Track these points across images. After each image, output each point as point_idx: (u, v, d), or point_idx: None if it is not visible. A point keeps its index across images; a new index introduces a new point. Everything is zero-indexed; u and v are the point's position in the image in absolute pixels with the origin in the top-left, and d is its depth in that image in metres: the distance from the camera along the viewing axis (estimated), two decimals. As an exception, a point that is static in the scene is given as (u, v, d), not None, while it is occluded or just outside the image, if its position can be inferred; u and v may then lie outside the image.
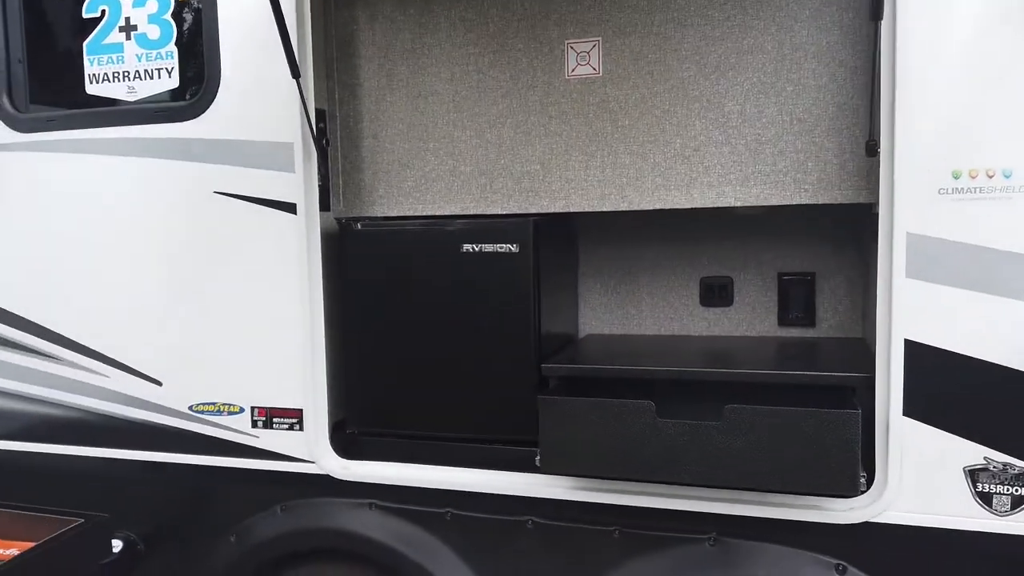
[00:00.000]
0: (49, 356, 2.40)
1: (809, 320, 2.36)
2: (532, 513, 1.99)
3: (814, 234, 2.34)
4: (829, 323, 2.36)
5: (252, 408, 2.22)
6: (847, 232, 2.25)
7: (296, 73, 2.01)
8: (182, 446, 2.29)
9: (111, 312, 2.33)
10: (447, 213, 2.19)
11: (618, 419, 1.77)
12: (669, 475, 1.75)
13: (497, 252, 2.05)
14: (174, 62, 2.25)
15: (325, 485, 2.17)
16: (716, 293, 2.44)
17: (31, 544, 1.90)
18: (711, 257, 2.43)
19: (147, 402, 2.32)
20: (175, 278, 2.26)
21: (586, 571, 1.95)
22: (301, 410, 2.17)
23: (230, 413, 2.25)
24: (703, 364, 2.10)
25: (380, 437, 2.18)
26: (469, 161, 2.16)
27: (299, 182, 2.11)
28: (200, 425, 2.27)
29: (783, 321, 2.39)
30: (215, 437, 2.26)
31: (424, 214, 2.20)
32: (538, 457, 1.89)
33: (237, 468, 2.24)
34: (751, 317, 2.42)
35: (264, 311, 2.18)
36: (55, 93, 2.42)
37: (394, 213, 2.24)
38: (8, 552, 1.95)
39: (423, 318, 2.12)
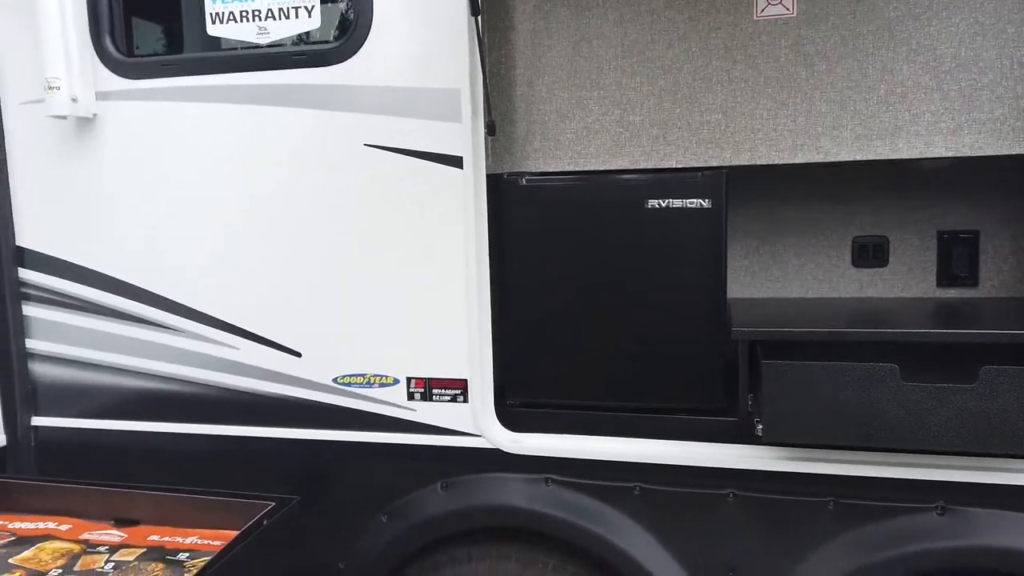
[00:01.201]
0: (171, 328, 2.19)
1: (972, 280, 2.28)
2: (732, 485, 1.88)
3: (977, 189, 2.25)
4: (992, 283, 2.28)
5: (408, 379, 2.05)
6: (1015, 185, 2.16)
7: (476, 10, 1.82)
8: (325, 421, 2.11)
9: (240, 279, 2.13)
10: (612, 168, 2.03)
11: (858, 383, 1.66)
12: (916, 442, 1.64)
13: (686, 208, 1.91)
14: (315, -1, 2.03)
15: (493, 460, 2.02)
16: (870, 253, 2.34)
17: (224, 531, 1.76)
18: (864, 215, 2.33)
19: (284, 375, 2.13)
20: (317, 241, 2.06)
21: (794, 544, 1.85)
22: (465, 380, 2.01)
23: (382, 385, 2.08)
24: (874, 326, 1.99)
25: (548, 409, 2.04)
26: (639, 111, 2.00)
27: (466, 133, 1.93)
28: (346, 399, 2.10)
29: (942, 282, 2.31)
30: (363, 411, 2.09)
31: (585, 169, 2.04)
32: (760, 426, 1.77)
33: (389, 443, 2.08)
34: (907, 278, 2.33)
35: (422, 275, 2.01)
36: (168, 35, 2.18)
37: (551, 168, 2.08)
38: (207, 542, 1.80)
39: (595, 280, 1.97)
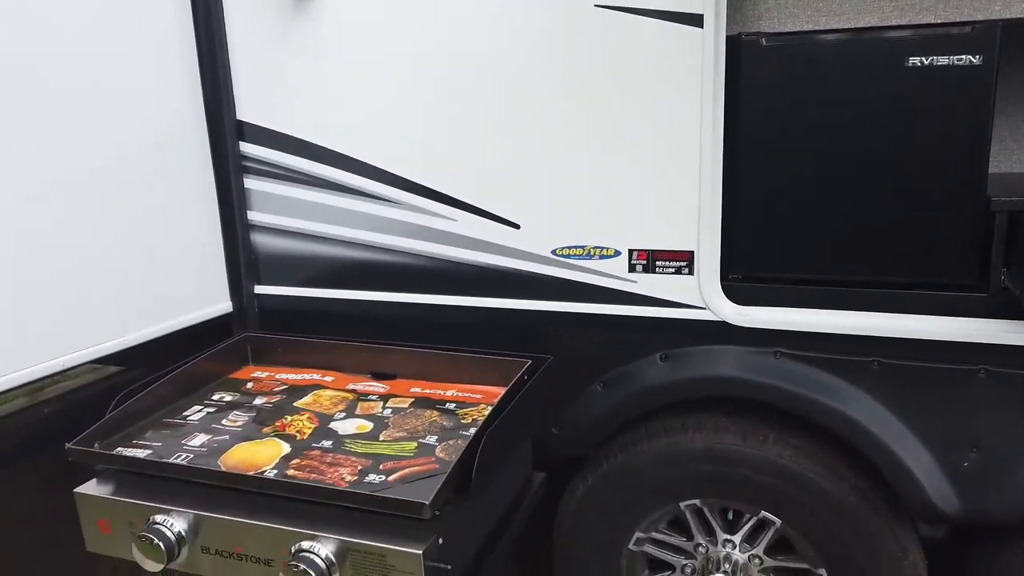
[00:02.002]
0: (389, 200, 2.23)
1: None
2: (985, 361, 1.80)
3: None
4: None
5: (630, 251, 2.04)
6: None
7: None
8: (542, 293, 2.14)
9: (459, 151, 2.13)
10: (857, 26, 1.88)
11: None
12: None
13: (952, 65, 1.75)
14: None
15: (718, 333, 2.01)
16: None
17: (479, 386, 1.81)
18: None
19: (502, 247, 2.15)
20: (539, 109, 2.02)
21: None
22: (691, 252, 1.98)
23: (602, 257, 2.07)
24: None
25: (777, 284, 1.98)
26: None
27: (708, -12, 1.81)
28: (564, 270, 2.11)
29: None
30: (582, 283, 2.10)
31: (832, 28, 1.90)
32: (1028, 299, 1.67)
33: (607, 315, 2.09)
34: None
35: (650, 143, 1.95)
36: None
37: (785, 28, 1.94)
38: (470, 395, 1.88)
39: (840, 147, 1.86)
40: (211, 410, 1.85)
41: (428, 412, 1.76)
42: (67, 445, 1.61)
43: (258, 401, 1.89)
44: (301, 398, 1.89)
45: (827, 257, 1.93)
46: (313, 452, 1.60)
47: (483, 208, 2.15)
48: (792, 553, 2.16)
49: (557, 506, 2.31)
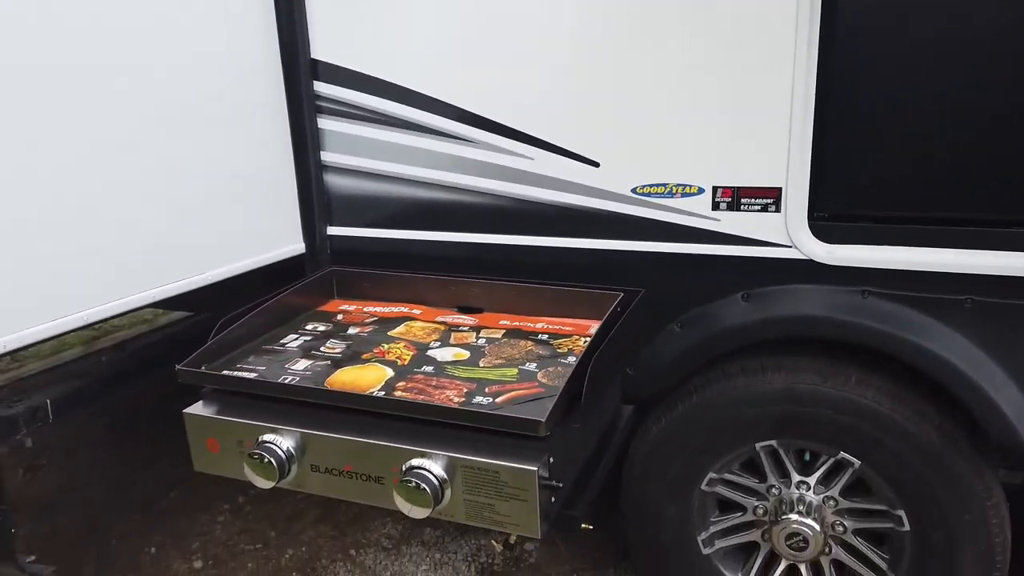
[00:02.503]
0: (462, 138, 2.22)
1: None
2: (1085, 299, 1.76)
3: None
4: None
5: (714, 188, 2.01)
6: None
7: None
8: (621, 232, 2.12)
9: (535, 88, 2.11)
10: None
11: None
12: None
13: (1065, -10, 1.68)
14: None
15: (803, 271, 1.98)
16: None
17: (568, 319, 1.79)
18: None
19: (581, 185, 2.13)
20: (616, 42, 1.98)
21: None
22: (779, 189, 1.95)
23: (684, 195, 2.04)
24: None
25: (865, 221, 1.94)
26: None
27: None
28: (645, 209, 2.09)
29: None
30: (663, 221, 2.08)
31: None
32: None
33: (688, 254, 2.07)
34: None
35: (736, 74, 1.90)
36: None
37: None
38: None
39: (939, 76, 1.79)
40: (307, 338, 1.88)
41: (522, 342, 1.77)
42: (177, 367, 1.64)
43: (352, 331, 1.91)
44: (393, 329, 1.91)
45: (920, 194, 1.89)
46: (417, 376, 1.62)
47: (561, 146, 2.13)
48: (868, 494, 2.16)
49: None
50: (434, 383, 1.58)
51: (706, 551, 2.34)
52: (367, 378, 1.62)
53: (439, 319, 1.99)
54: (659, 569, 2.39)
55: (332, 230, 2.48)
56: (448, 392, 1.54)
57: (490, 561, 2.95)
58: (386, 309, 2.08)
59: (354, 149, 2.37)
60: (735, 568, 2.37)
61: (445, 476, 1.43)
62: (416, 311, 2.04)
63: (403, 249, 2.38)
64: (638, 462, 2.31)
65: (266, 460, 1.52)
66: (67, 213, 1.74)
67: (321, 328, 1.96)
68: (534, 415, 1.39)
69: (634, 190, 2.09)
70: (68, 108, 1.73)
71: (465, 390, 1.55)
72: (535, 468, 1.38)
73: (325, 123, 2.38)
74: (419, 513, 1.43)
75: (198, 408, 1.68)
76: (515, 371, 1.64)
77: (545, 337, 1.81)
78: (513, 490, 1.40)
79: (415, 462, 1.44)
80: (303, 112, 2.35)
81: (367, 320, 2.01)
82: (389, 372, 1.66)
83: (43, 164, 1.68)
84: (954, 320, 1.87)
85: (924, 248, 1.88)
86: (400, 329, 1.90)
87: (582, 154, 2.11)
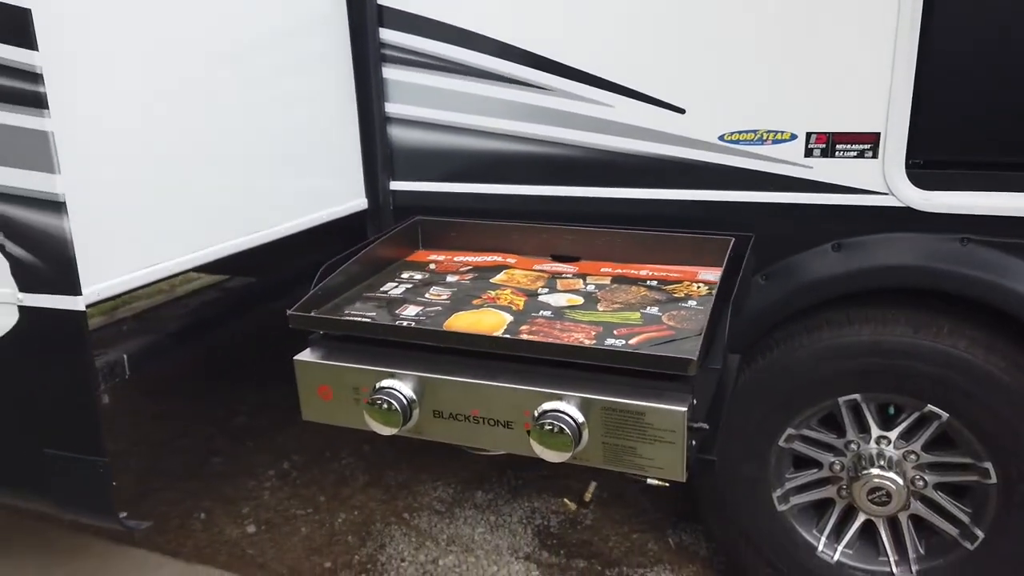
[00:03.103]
0: (536, 86, 2.14)
1: None
2: None
3: None
4: None
5: (807, 134, 1.95)
6: None
7: None
8: (708, 182, 2.06)
9: (614, 28, 2.03)
10: None
11: None
12: None
13: None
14: None
15: (899, 219, 1.93)
16: None
17: (672, 266, 1.74)
18: None
19: (664, 134, 2.07)
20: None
21: None
22: (878, 134, 1.89)
23: (776, 141, 1.99)
24: None
25: (963, 168, 1.89)
26: None
27: None
28: (733, 157, 2.03)
29: None
30: (752, 170, 2.02)
31: None
32: None
33: (777, 203, 2.02)
34: None
35: (834, 13, 1.84)
36: None
37: None
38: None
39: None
40: (407, 286, 1.82)
41: (633, 288, 1.72)
42: (289, 312, 1.58)
43: (451, 279, 1.85)
44: (493, 277, 1.85)
45: (1020, 139, 1.84)
46: (538, 320, 1.56)
47: (644, 92, 2.06)
48: (951, 448, 2.13)
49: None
50: (559, 326, 1.53)
51: (781, 508, 2.31)
52: (486, 322, 1.56)
53: (537, 268, 1.93)
54: (733, 527, 2.36)
55: (395, 184, 2.40)
56: (576, 335, 1.48)
57: (546, 523, 2.92)
58: (479, 259, 2.01)
59: (420, 99, 2.30)
60: (809, 525, 2.35)
61: (583, 419, 1.38)
62: (511, 260, 1.98)
63: (470, 204, 2.31)
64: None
65: (389, 406, 1.46)
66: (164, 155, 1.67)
67: (418, 276, 1.90)
68: (683, 354, 1.34)
69: (721, 137, 2.03)
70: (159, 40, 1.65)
71: (593, 333, 1.50)
72: (684, 409, 1.34)
73: (390, 72, 2.30)
74: (556, 457, 1.38)
75: (308, 355, 1.61)
76: (638, 315, 1.59)
77: (655, 283, 1.76)
78: (658, 432, 1.35)
79: (550, 405, 1.39)
80: (368, 61, 2.27)
81: (462, 268, 1.94)
82: (508, 316, 1.60)
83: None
84: (1058, 267, 1.83)
85: (1018, 193, 1.84)
86: (501, 277, 1.84)
87: (665, 100, 2.04)
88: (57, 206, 1.42)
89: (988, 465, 2.06)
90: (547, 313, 1.63)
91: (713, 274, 1.86)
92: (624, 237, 1.94)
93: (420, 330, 1.53)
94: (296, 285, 2.04)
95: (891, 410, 2.17)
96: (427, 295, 1.75)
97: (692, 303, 1.59)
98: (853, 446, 2.22)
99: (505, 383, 1.44)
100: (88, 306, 1.53)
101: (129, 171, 1.62)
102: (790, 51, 1.90)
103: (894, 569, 2.25)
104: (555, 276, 1.86)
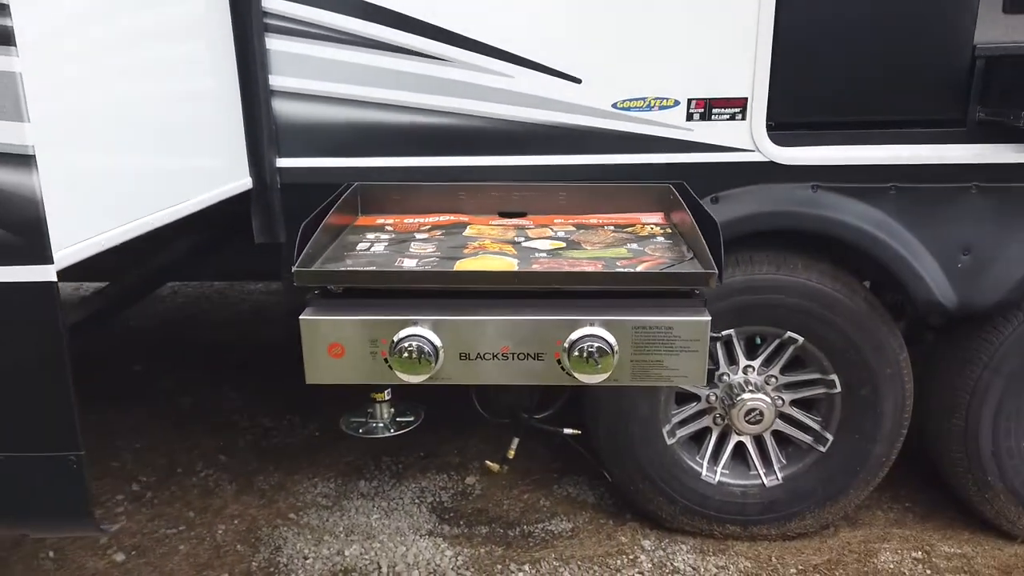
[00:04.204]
0: (436, 58, 2.17)
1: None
2: (976, 178, 2.23)
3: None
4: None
5: (689, 100, 2.20)
6: None
7: None
8: (601, 147, 2.24)
9: (515, 1, 2.13)
10: None
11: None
12: None
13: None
14: None
15: (763, 173, 2.25)
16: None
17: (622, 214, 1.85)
18: None
19: (563, 103, 2.21)
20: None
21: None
22: (745, 99, 2.19)
23: (662, 108, 2.21)
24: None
25: (808, 128, 2.25)
26: None
27: None
28: (624, 123, 2.22)
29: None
30: (641, 135, 2.23)
31: None
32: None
33: (662, 164, 2.25)
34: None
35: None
36: None
37: None
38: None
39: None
40: (383, 244, 1.74)
41: (601, 231, 1.81)
42: (295, 269, 1.45)
43: (422, 236, 1.80)
44: (462, 232, 1.83)
45: (850, 100, 2.23)
46: (542, 260, 1.60)
47: (542, 63, 2.18)
48: (802, 368, 2.53)
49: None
50: (566, 264, 1.58)
51: (670, 441, 2.57)
52: (495, 266, 1.57)
53: (495, 223, 1.95)
54: (631, 464, 2.58)
55: (282, 161, 2.29)
56: (586, 267, 1.56)
57: (438, 499, 2.94)
58: (434, 219, 1.98)
59: (309, 71, 2.21)
60: (692, 453, 2.64)
61: (614, 341, 1.46)
62: (463, 218, 1.98)
63: (366, 178, 2.27)
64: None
65: (420, 353, 1.42)
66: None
67: (385, 237, 1.83)
68: (705, 269, 1.48)
69: (615, 105, 2.21)
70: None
71: (600, 265, 1.58)
72: (708, 318, 1.48)
73: (275, 43, 2.18)
74: (594, 379, 1.46)
75: (312, 313, 1.49)
76: (624, 250, 1.69)
77: (612, 228, 1.88)
78: (685, 343, 1.48)
79: (583, 331, 1.45)
80: (250, 30, 2.13)
81: (424, 227, 1.90)
82: (512, 260, 1.62)
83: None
84: (883, 205, 2.26)
85: (857, 146, 2.25)
86: (471, 231, 1.84)
87: (562, 71, 2.18)
88: (26, 159, 1.19)
89: (834, 377, 2.48)
90: (543, 256, 1.68)
91: (655, 218, 2.04)
92: (568, 191, 2.05)
93: (455, 273, 1.53)
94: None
95: (758, 340, 2.51)
96: (413, 250, 1.72)
97: (660, 239, 1.74)
98: (725, 377, 2.54)
99: (536, 316, 1.48)
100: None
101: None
102: (673, 25, 2.13)
103: (764, 479, 2.62)
104: (520, 228, 1.91)
